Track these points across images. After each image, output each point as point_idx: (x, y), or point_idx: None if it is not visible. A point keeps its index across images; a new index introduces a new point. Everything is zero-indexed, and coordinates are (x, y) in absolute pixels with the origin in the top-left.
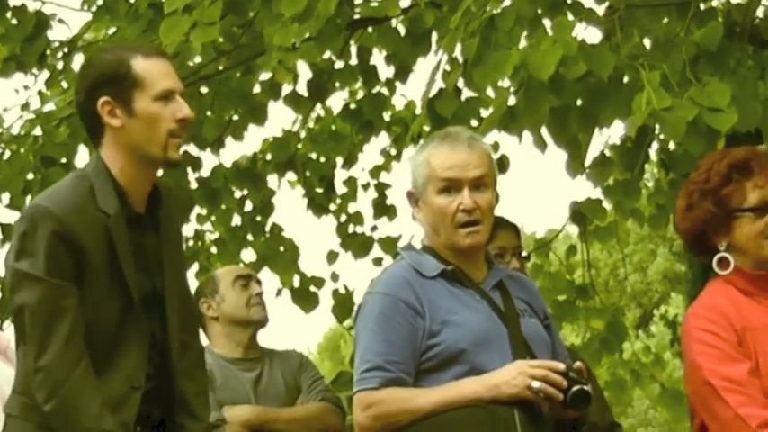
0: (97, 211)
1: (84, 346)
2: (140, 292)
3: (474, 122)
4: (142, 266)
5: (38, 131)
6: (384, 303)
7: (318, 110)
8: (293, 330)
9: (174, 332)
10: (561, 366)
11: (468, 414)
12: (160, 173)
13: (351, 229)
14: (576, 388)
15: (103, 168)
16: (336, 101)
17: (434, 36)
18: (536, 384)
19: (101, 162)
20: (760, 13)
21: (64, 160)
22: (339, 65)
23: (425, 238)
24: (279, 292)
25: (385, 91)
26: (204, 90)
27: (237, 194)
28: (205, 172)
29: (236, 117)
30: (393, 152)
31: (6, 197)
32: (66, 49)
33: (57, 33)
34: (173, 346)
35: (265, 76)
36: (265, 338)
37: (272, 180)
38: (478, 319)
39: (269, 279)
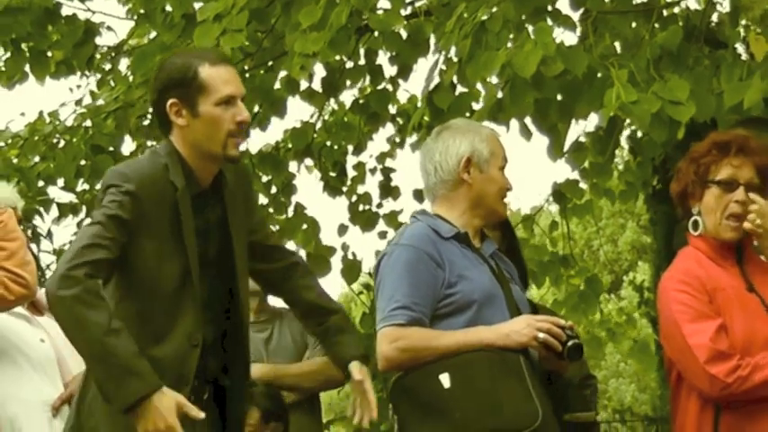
0: (167, 184)
1: (105, 278)
2: (200, 258)
3: (467, 114)
4: (202, 234)
5: (88, 123)
6: (410, 254)
7: (332, 104)
8: None
9: (244, 289)
10: (563, 322)
11: (484, 356)
12: None
13: (360, 207)
14: (572, 342)
15: (174, 150)
16: (347, 96)
17: (432, 38)
18: (542, 336)
19: (172, 146)
20: (715, 18)
21: (111, 148)
22: (349, 64)
23: (436, 207)
24: None
25: (389, 87)
26: None
27: (264, 179)
28: None
29: (259, 110)
30: (397, 140)
31: (61, 181)
32: (113, 53)
33: (105, 39)
34: (242, 301)
35: (285, 73)
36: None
37: (292, 165)
38: (485, 277)
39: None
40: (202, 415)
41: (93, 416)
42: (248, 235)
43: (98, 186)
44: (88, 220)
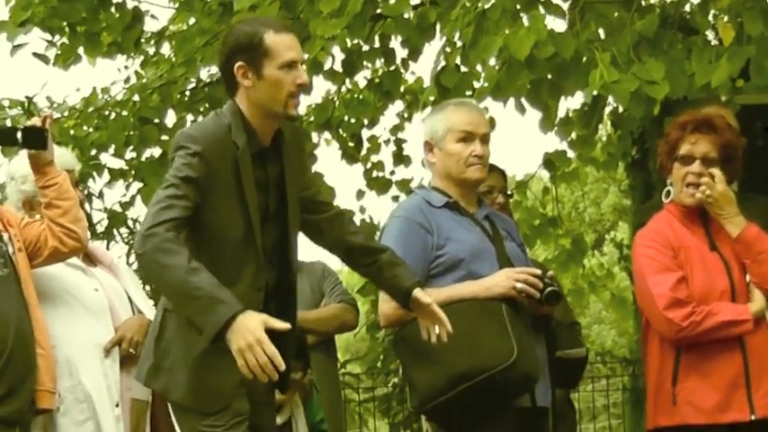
0: (230, 143)
1: (182, 231)
2: (260, 210)
3: (469, 92)
4: (263, 189)
5: (136, 98)
6: (402, 224)
7: (349, 83)
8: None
9: (295, 239)
10: (538, 272)
11: (468, 306)
12: None
13: (374, 173)
14: (549, 289)
15: (237, 111)
16: (363, 75)
17: (438, 25)
18: (519, 285)
19: (236, 107)
20: (687, 8)
21: (156, 120)
22: (365, 48)
23: (433, 180)
24: None
25: (400, 68)
26: None
27: None
28: None
29: None
30: (406, 115)
31: (112, 149)
32: (157, 37)
33: (150, 25)
34: (293, 250)
35: (309, 56)
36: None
37: (314, 136)
38: (473, 237)
39: None
40: (288, 326)
41: (168, 356)
42: (300, 189)
43: (145, 153)
44: (138, 184)
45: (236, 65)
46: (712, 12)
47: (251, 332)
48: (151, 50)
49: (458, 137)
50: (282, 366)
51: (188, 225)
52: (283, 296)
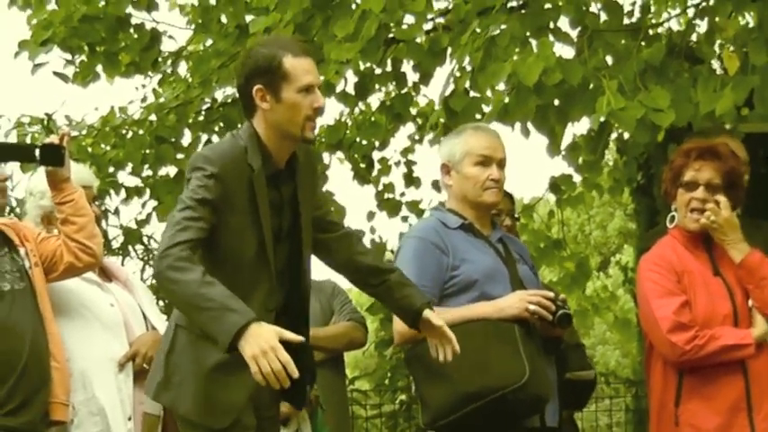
0: (246, 165)
1: (198, 251)
2: (272, 231)
3: (478, 116)
4: (277, 210)
5: (153, 117)
6: (418, 244)
7: (361, 105)
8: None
9: (308, 259)
10: (551, 294)
11: (480, 326)
12: None
13: (385, 195)
14: (561, 312)
15: (254, 134)
16: (375, 98)
17: (449, 50)
18: (532, 307)
19: (253, 129)
20: (694, 37)
21: (172, 139)
22: (378, 71)
23: (448, 202)
24: None
25: (412, 91)
26: None
27: None
28: None
29: None
30: (417, 137)
31: (129, 167)
32: (174, 57)
33: (167, 45)
34: (306, 270)
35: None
36: (317, 274)
37: (326, 157)
38: (487, 259)
39: None
40: (301, 338)
41: (178, 371)
42: (313, 210)
43: (160, 171)
44: (153, 202)
45: (255, 87)
46: (718, 41)
47: (265, 339)
48: (168, 70)
49: (475, 160)
50: (296, 374)
51: (203, 246)
52: (295, 316)
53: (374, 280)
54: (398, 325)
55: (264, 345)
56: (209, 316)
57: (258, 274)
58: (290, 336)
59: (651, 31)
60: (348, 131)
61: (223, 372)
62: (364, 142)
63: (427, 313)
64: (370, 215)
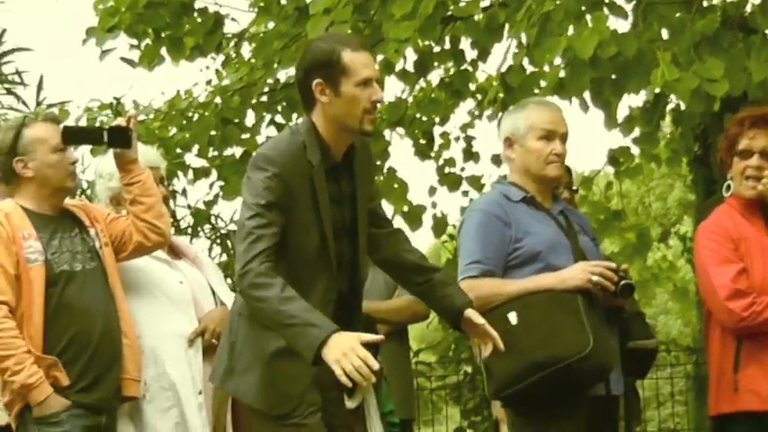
0: (305, 161)
1: (276, 260)
2: (334, 225)
3: (535, 91)
4: (337, 203)
5: (218, 100)
6: (482, 217)
7: (421, 82)
8: None
9: (363, 251)
10: (613, 265)
11: (544, 296)
12: None
13: (446, 170)
14: (624, 282)
15: (313, 128)
16: (435, 75)
17: (506, 27)
18: (595, 278)
19: (311, 123)
20: (749, 8)
21: (236, 120)
22: (437, 49)
23: (511, 175)
24: (392, 216)
25: (470, 68)
26: None
27: None
28: None
29: None
30: (476, 113)
31: (195, 148)
32: (236, 40)
33: (230, 27)
34: (362, 262)
35: (382, 57)
36: None
37: (387, 134)
38: (550, 231)
39: (385, 207)
40: (381, 337)
41: (242, 359)
42: (368, 201)
43: (226, 152)
44: (219, 183)
45: (314, 81)
46: None
47: (346, 344)
48: (231, 53)
49: (539, 134)
50: (376, 366)
51: (279, 250)
52: (351, 306)
53: (418, 278)
54: None
55: (345, 347)
56: (293, 332)
57: (320, 267)
58: (370, 337)
59: (705, 2)
60: (408, 108)
61: (284, 358)
62: (424, 119)
63: (468, 312)
64: (432, 190)
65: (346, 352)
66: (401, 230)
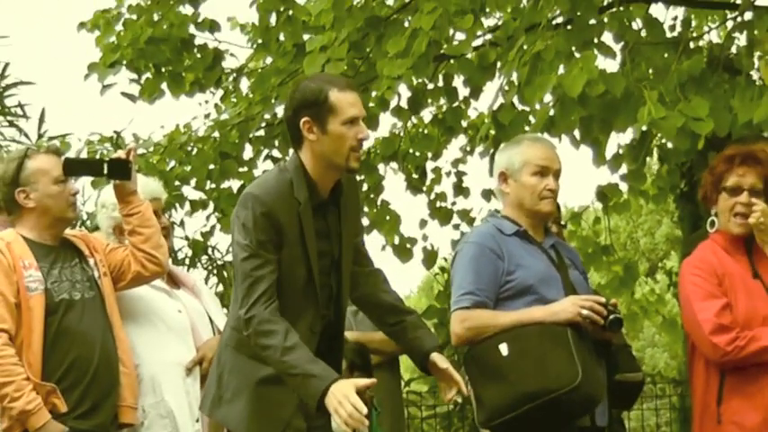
0: (293, 199)
1: (277, 299)
2: (322, 259)
3: (526, 128)
4: (325, 238)
5: (216, 134)
6: (475, 249)
7: (414, 118)
8: (394, 276)
9: (347, 285)
10: (603, 300)
11: (535, 329)
12: None
13: (437, 203)
14: (613, 316)
15: (300, 165)
16: (427, 112)
17: (498, 65)
18: (585, 312)
19: (299, 161)
20: (734, 50)
21: (234, 154)
22: (430, 86)
23: (504, 209)
24: (383, 248)
25: (462, 105)
26: None
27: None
28: None
29: None
30: (468, 149)
31: (193, 181)
32: (235, 74)
33: (229, 63)
34: (344, 296)
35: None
36: None
37: (381, 168)
38: (541, 265)
39: (377, 238)
40: (373, 381)
41: (229, 388)
42: (353, 236)
43: (223, 185)
44: (216, 214)
45: (302, 120)
46: (757, 54)
47: (342, 394)
48: (231, 87)
49: (534, 170)
50: (364, 410)
51: (277, 286)
52: (333, 336)
53: (392, 319)
54: (457, 327)
55: (341, 397)
56: (296, 382)
57: (306, 301)
58: (365, 382)
59: (692, 44)
60: (402, 143)
61: (270, 385)
62: (417, 154)
63: (434, 356)
64: (423, 223)
65: (341, 400)
66: (380, 270)
